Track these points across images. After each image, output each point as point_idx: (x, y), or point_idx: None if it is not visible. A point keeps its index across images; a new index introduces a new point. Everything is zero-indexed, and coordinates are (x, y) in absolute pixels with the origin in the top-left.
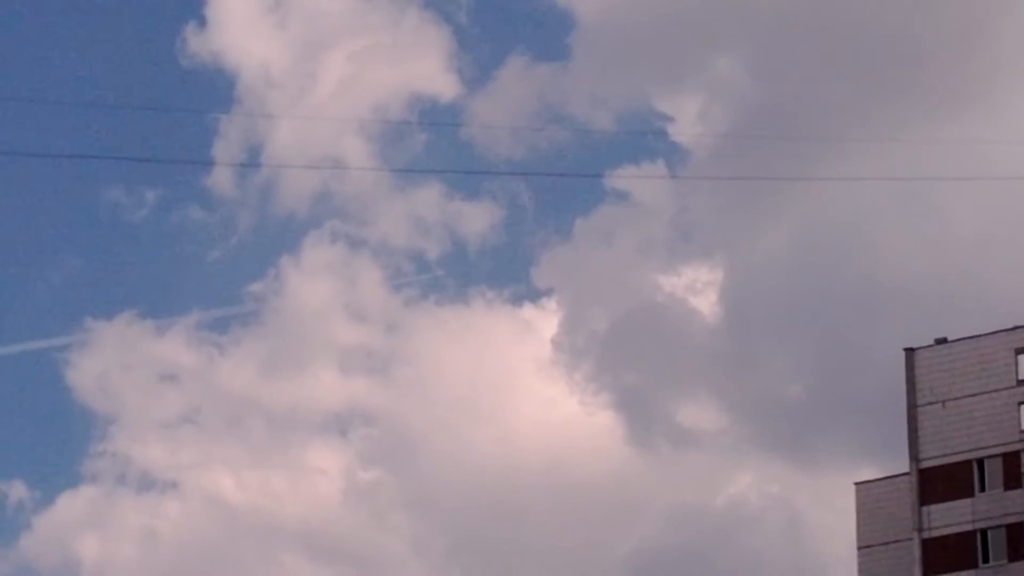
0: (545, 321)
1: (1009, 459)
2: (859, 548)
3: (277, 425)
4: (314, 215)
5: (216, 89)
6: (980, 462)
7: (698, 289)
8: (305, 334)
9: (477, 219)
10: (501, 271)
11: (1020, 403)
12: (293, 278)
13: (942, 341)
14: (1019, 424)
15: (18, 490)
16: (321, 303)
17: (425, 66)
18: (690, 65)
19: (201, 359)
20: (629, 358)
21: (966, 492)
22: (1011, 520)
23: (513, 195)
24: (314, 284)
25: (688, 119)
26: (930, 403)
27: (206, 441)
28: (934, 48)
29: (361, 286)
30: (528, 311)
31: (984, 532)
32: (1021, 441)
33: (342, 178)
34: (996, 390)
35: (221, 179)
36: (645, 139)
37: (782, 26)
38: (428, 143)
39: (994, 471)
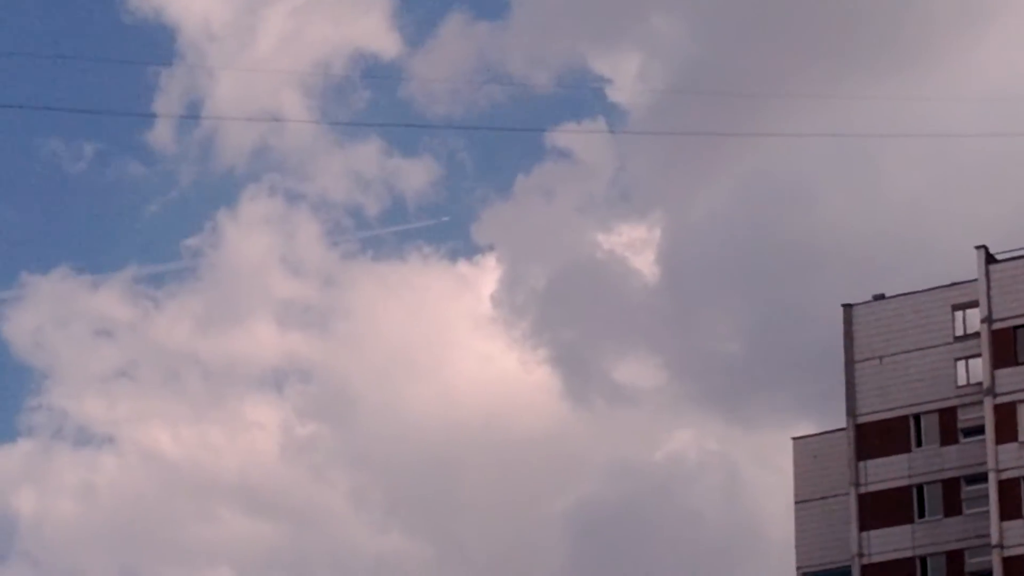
0: (484, 277)
1: (945, 415)
2: (796, 503)
3: (214, 379)
4: (253, 170)
5: (157, 43)
6: (916, 417)
7: (637, 247)
8: (242, 288)
9: (416, 175)
10: (440, 227)
11: (956, 359)
12: (231, 232)
13: (880, 297)
14: (955, 380)
15: None
16: (259, 257)
17: (366, 23)
18: (628, 22)
19: (137, 313)
20: (568, 315)
21: (903, 447)
22: (947, 475)
23: (452, 152)
24: (252, 238)
25: (627, 77)
26: (867, 359)
27: (142, 396)
28: (871, 5)
29: (299, 241)
30: (467, 267)
31: (920, 487)
32: (957, 397)
33: (282, 133)
34: (933, 346)
35: (161, 133)
36: (585, 97)
37: None
38: (368, 100)
39: (930, 426)
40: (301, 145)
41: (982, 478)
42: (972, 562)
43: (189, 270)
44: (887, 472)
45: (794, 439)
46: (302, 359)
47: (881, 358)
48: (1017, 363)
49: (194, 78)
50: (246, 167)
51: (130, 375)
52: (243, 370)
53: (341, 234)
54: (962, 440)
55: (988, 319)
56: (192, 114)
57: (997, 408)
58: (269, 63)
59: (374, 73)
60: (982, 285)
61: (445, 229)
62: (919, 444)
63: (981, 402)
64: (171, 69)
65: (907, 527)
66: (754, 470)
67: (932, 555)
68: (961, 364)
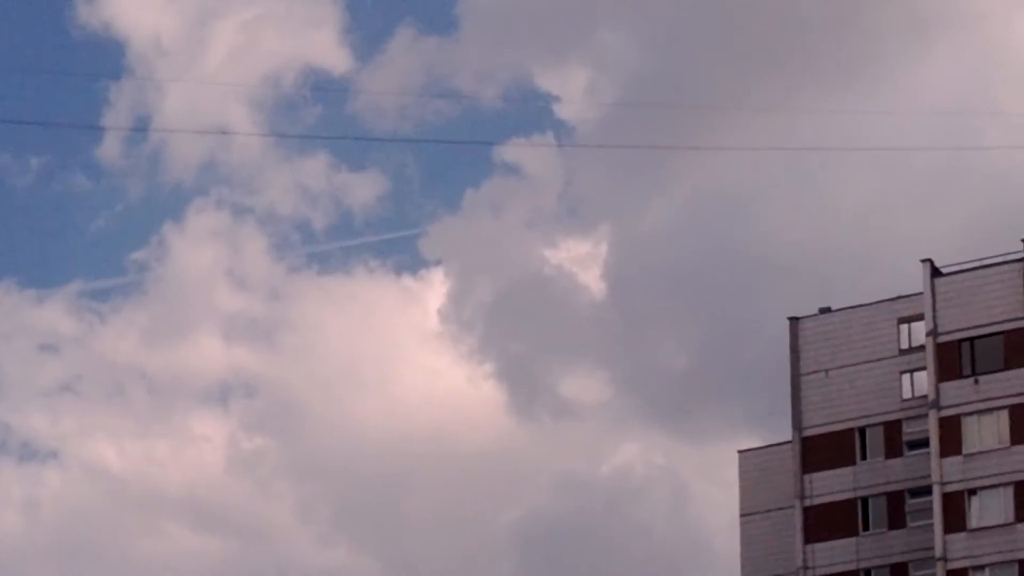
0: (431, 292)
1: (890, 428)
2: (741, 516)
3: (160, 393)
4: (200, 183)
5: (107, 57)
6: (862, 431)
7: (585, 262)
8: (188, 302)
9: (364, 189)
10: (388, 242)
11: (902, 372)
12: (177, 246)
13: (826, 310)
14: (901, 393)
15: None
16: (205, 271)
17: (316, 38)
18: (577, 37)
19: (82, 327)
20: (515, 330)
21: (848, 460)
22: (892, 488)
23: (400, 167)
24: (198, 252)
25: (576, 92)
26: (813, 372)
27: (87, 410)
28: (819, 19)
29: (245, 254)
30: (415, 282)
31: (865, 500)
32: (903, 410)
33: (230, 147)
34: (879, 359)
35: (108, 148)
36: (533, 112)
37: None
38: (317, 115)
39: (876, 439)
40: (249, 159)
41: (926, 491)
42: (916, 575)
43: (134, 284)
44: (832, 485)
45: (740, 452)
46: (248, 373)
47: (827, 371)
48: (962, 376)
49: (143, 92)
50: (194, 181)
51: (75, 389)
52: (189, 384)
53: (288, 248)
54: (907, 453)
55: (933, 332)
56: (140, 127)
57: (942, 421)
58: (218, 77)
59: (323, 88)
60: (927, 299)
61: (393, 243)
62: (864, 457)
63: (926, 415)
64: (120, 83)
65: (852, 540)
66: (701, 484)
67: (876, 567)
68: (906, 377)
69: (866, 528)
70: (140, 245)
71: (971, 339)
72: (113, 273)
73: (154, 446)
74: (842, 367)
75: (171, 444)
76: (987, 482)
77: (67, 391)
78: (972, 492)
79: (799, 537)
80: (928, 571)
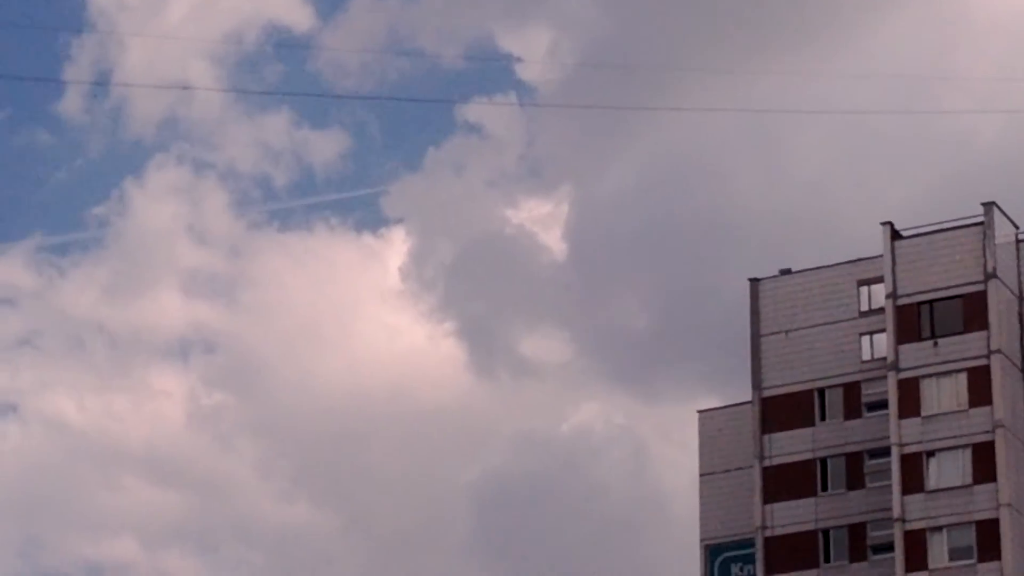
0: (392, 250)
1: (850, 389)
2: (701, 475)
3: (119, 348)
4: (162, 139)
5: (68, 12)
6: (821, 392)
7: (546, 222)
8: (148, 257)
9: (326, 147)
10: (349, 200)
11: (862, 334)
12: (138, 201)
13: (786, 272)
14: (860, 355)
15: None
16: (165, 226)
17: None
18: None
19: (41, 282)
20: (475, 289)
21: (807, 421)
22: (850, 449)
23: (362, 125)
24: (159, 207)
25: (537, 52)
26: (773, 333)
27: (47, 364)
28: None
29: (206, 210)
30: (376, 240)
31: (824, 461)
32: (861, 372)
33: (191, 103)
34: (838, 321)
35: (70, 103)
36: (495, 72)
37: None
38: (279, 72)
39: (835, 401)
40: (210, 115)
41: (885, 452)
42: (874, 535)
43: (94, 239)
44: (791, 445)
45: (699, 412)
46: (208, 329)
47: (787, 332)
48: (921, 339)
49: (104, 47)
50: (155, 136)
51: (34, 344)
52: (149, 339)
53: (249, 205)
54: (866, 415)
55: (893, 295)
56: (102, 82)
57: (900, 383)
58: (180, 33)
59: (286, 44)
60: (887, 261)
61: (354, 202)
62: (823, 418)
63: (885, 377)
64: (81, 38)
65: (810, 500)
66: (660, 444)
67: (835, 528)
68: (866, 339)
69: (824, 488)
70: (100, 200)
71: (930, 302)
72: (73, 228)
73: (114, 401)
74: (802, 328)
75: (131, 399)
76: (945, 444)
77: (26, 345)
78: (930, 454)
79: (758, 497)
80: (886, 531)
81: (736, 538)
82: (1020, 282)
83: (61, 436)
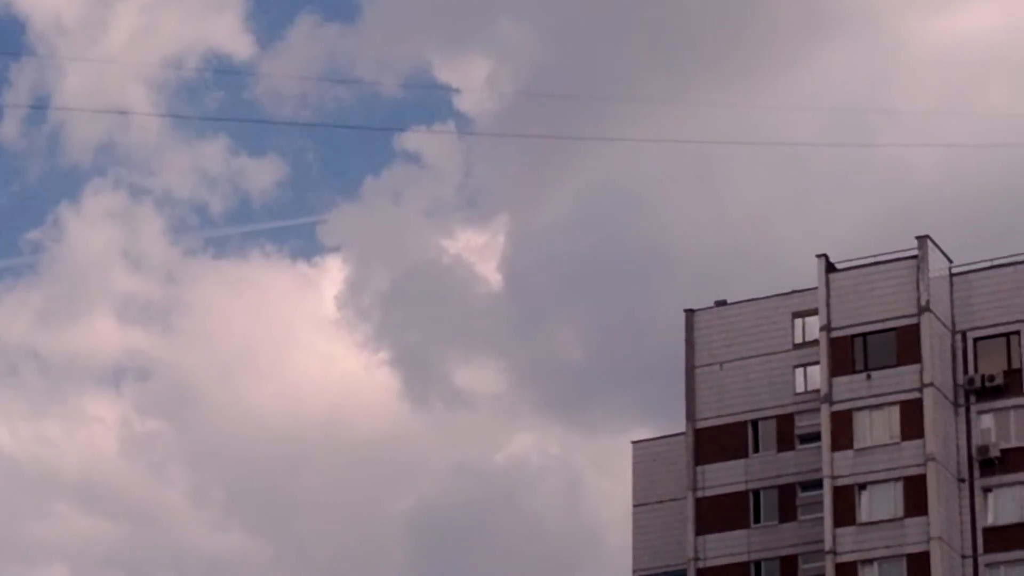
0: (328, 278)
1: (783, 421)
2: (634, 506)
3: (53, 374)
4: (98, 164)
5: (7, 36)
6: (755, 423)
7: (482, 252)
8: (83, 283)
9: (264, 174)
10: (286, 227)
11: (795, 366)
12: (73, 226)
13: (722, 303)
14: (794, 387)
15: None
16: (100, 252)
17: (218, 22)
18: (477, 27)
19: None
20: (411, 319)
21: (740, 453)
22: (783, 481)
23: (300, 152)
24: (94, 233)
25: (476, 82)
26: (708, 364)
27: None
28: (717, 12)
29: (142, 236)
30: (312, 268)
31: (756, 492)
32: (795, 404)
33: (129, 129)
34: (773, 353)
35: (7, 127)
36: (433, 102)
37: None
38: (217, 99)
39: (768, 433)
40: (148, 141)
41: (817, 485)
42: (806, 567)
43: (28, 265)
44: (724, 477)
45: (633, 443)
46: (143, 355)
47: (721, 364)
48: (854, 371)
49: (43, 71)
50: (92, 162)
51: None
52: (83, 365)
53: (185, 231)
54: (799, 447)
55: (827, 327)
56: (40, 106)
57: (833, 415)
58: (119, 59)
59: (222, 73)
60: (822, 293)
61: (291, 229)
62: (756, 450)
63: (818, 409)
64: (20, 62)
65: (743, 532)
66: (595, 475)
67: (766, 560)
68: (800, 371)
69: (757, 520)
70: (35, 225)
71: (864, 335)
72: (7, 253)
73: (47, 427)
74: (736, 360)
75: (64, 426)
76: (877, 477)
77: None
78: (862, 486)
79: (691, 528)
80: (817, 564)
81: (669, 569)
82: (953, 316)
83: None
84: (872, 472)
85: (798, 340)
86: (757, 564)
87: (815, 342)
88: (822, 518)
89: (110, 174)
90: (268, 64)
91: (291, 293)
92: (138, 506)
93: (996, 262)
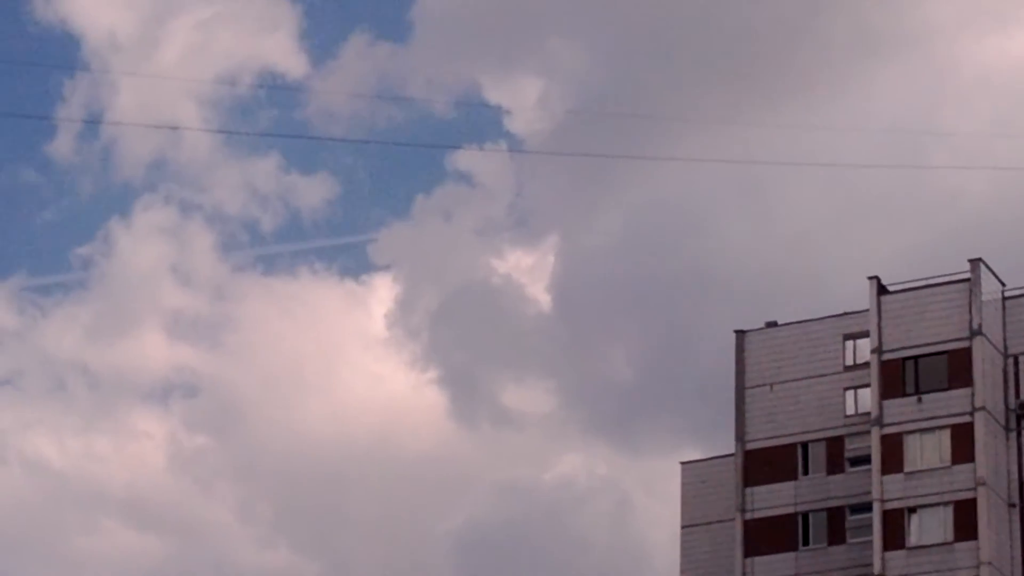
0: (378, 297)
1: (832, 444)
2: (682, 527)
3: (102, 390)
4: (150, 180)
5: (62, 52)
6: (804, 446)
7: (532, 272)
8: (132, 298)
9: (315, 192)
10: (336, 245)
11: (846, 388)
12: (123, 242)
13: (772, 325)
14: (844, 409)
15: None
16: (150, 268)
17: (271, 40)
18: (529, 47)
19: (24, 321)
20: (460, 338)
21: (790, 475)
22: (832, 504)
23: (351, 171)
24: (144, 248)
25: (528, 101)
26: (758, 385)
27: (28, 405)
28: (771, 32)
29: (192, 252)
30: (362, 286)
31: (805, 515)
32: (845, 426)
33: (181, 145)
34: (823, 375)
35: (61, 143)
36: (484, 121)
37: (619, 9)
38: (269, 117)
39: (818, 455)
40: (200, 157)
41: (867, 508)
42: None
43: (78, 280)
44: (773, 499)
45: (682, 464)
46: (191, 371)
47: (771, 385)
48: (905, 394)
49: (97, 88)
50: (143, 177)
51: (15, 384)
52: (131, 381)
53: (235, 248)
54: (848, 469)
55: (878, 350)
56: (92, 121)
57: (884, 439)
58: (172, 75)
59: (274, 91)
60: (873, 316)
61: (341, 247)
62: (806, 472)
63: (868, 432)
64: (74, 79)
65: (791, 554)
66: (643, 497)
67: None
68: (850, 394)
69: (806, 543)
70: (86, 240)
71: (915, 357)
72: (57, 268)
73: (95, 442)
74: (787, 382)
75: (112, 441)
76: (927, 500)
77: (7, 385)
78: (912, 510)
79: (739, 550)
80: None
81: None
82: (1005, 339)
83: (41, 477)
84: (922, 496)
85: (849, 362)
86: None
87: (866, 364)
88: (871, 541)
89: (161, 190)
90: (321, 82)
91: (340, 311)
92: (185, 522)
93: None
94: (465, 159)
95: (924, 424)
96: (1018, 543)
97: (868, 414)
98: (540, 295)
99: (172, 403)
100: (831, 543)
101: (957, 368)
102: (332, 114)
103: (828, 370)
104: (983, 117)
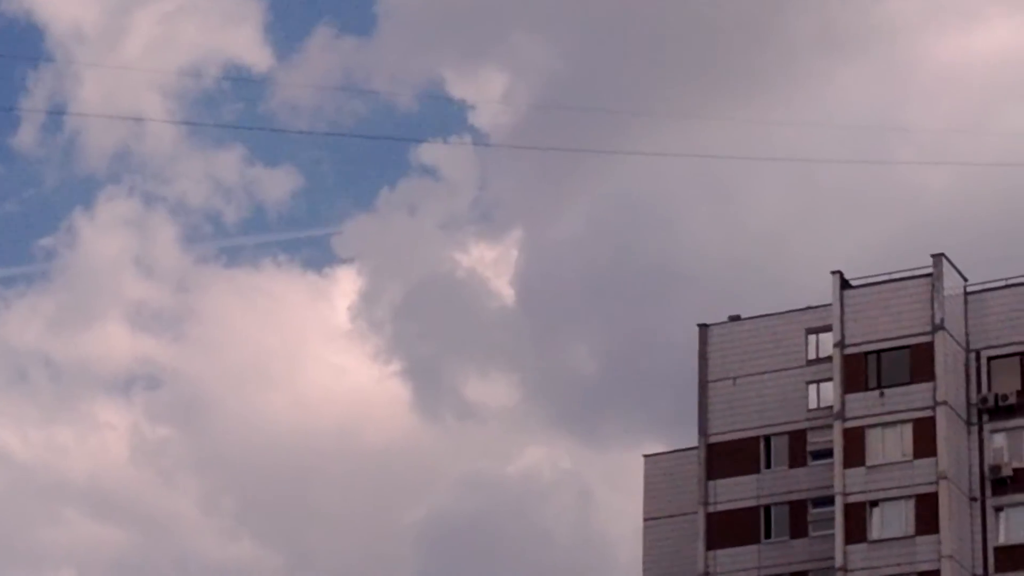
0: (341, 289)
1: (795, 437)
2: (645, 520)
3: (65, 381)
4: (113, 171)
5: (26, 45)
6: (767, 439)
7: (496, 265)
8: (95, 290)
9: (278, 185)
10: (300, 238)
11: (808, 382)
12: (86, 233)
13: (735, 319)
14: (806, 403)
15: None
16: (113, 259)
17: (236, 33)
18: (492, 41)
19: None
20: (424, 331)
21: (752, 468)
22: (795, 497)
23: (315, 164)
24: (107, 240)
25: (490, 95)
26: (721, 379)
27: None
28: (735, 27)
29: (155, 244)
30: (325, 279)
31: (768, 508)
32: (808, 420)
33: (144, 137)
34: (786, 369)
35: (24, 134)
36: (449, 115)
37: (583, 3)
38: (233, 110)
39: (780, 449)
40: (163, 149)
41: (829, 501)
42: None
43: (41, 271)
44: (736, 492)
45: (645, 456)
46: (154, 363)
47: (734, 379)
48: (867, 388)
49: (61, 79)
50: (107, 169)
51: None
52: (94, 372)
53: (199, 240)
54: (811, 463)
55: (841, 344)
56: (57, 112)
57: (846, 432)
58: (137, 67)
59: (238, 84)
60: (836, 310)
61: (305, 240)
62: (768, 466)
63: (831, 426)
64: (38, 70)
65: (754, 547)
66: (605, 489)
67: (777, 575)
68: (813, 388)
69: (768, 536)
70: (49, 231)
71: (878, 352)
72: (20, 259)
73: (57, 434)
74: (749, 375)
75: (75, 432)
76: (889, 494)
77: None
78: (874, 504)
79: (701, 543)
80: None
81: None
82: (967, 334)
83: (3, 469)
84: (884, 489)
85: (811, 356)
86: None
87: (828, 358)
88: (833, 535)
89: (125, 181)
90: (285, 75)
91: (304, 304)
92: (148, 514)
93: (1011, 281)
94: (429, 153)
95: (886, 418)
96: (979, 537)
97: (830, 408)
98: (504, 289)
99: (135, 395)
100: (793, 536)
101: (919, 362)
102: (296, 107)
103: (791, 364)
104: (946, 113)
